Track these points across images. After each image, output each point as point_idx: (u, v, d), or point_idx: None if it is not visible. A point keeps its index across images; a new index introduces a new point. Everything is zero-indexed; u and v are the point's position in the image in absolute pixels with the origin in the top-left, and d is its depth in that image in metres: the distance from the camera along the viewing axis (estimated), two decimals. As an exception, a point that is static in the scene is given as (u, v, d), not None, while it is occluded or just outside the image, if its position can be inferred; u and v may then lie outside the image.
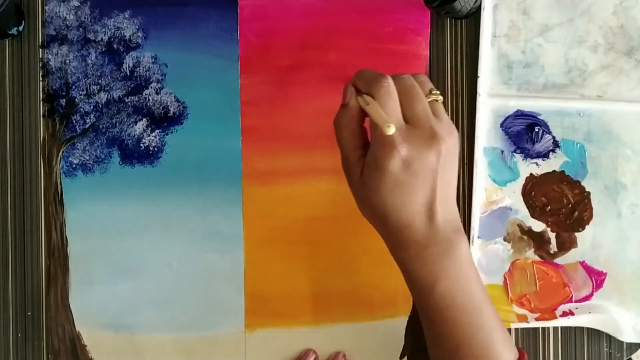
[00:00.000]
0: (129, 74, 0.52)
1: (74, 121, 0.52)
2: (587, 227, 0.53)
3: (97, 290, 0.52)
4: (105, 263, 0.52)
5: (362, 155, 0.39)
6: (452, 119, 0.52)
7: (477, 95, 0.51)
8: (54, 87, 0.52)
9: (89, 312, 0.52)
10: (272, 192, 0.52)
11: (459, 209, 0.51)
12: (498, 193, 0.52)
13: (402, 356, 0.52)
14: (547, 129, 0.52)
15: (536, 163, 0.52)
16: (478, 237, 0.52)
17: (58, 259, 0.52)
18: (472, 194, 0.51)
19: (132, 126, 0.52)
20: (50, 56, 0.52)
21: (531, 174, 0.52)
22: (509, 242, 0.53)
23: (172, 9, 0.52)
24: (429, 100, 0.38)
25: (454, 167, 0.39)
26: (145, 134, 0.52)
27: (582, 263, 0.53)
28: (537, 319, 0.52)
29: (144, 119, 0.52)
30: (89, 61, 0.52)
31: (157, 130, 0.52)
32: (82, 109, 0.52)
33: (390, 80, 0.37)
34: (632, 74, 0.52)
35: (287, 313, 0.52)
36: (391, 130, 0.35)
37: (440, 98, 0.39)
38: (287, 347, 0.52)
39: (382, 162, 0.36)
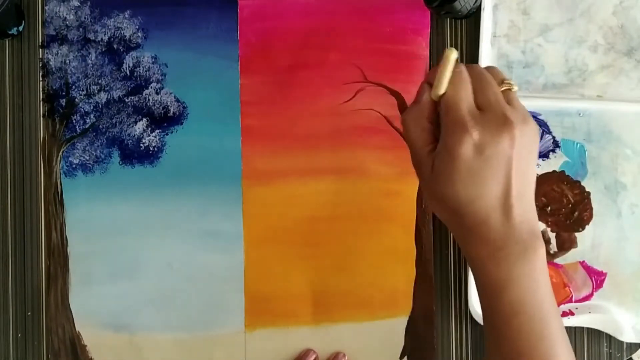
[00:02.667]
0: (129, 74, 0.52)
1: (74, 121, 0.52)
2: (587, 227, 0.53)
3: (97, 290, 0.52)
4: (105, 263, 0.52)
5: (433, 150, 0.37)
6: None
7: (477, 95, 0.51)
8: (54, 87, 0.52)
9: (88, 312, 0.52)
10: (272, 192, 0.52)
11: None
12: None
13: (402, 356, 0.52)
14: (547, 129, 0.52)
15: (536, 163, 0.52)
16: (478, 237, 0.52)
17: (58, 259, 0.52)
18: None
19: (132, 126, 0.52)
20: (50, 56, 0.52)
21: (531, 174, 0.52)
22: (509, 242, 0.53)
23: (172, 9, 0.52)
24: (502, 89, 0.37)
25: (531, 158, 0.37)
26: (145, 134, 0.52)
27: (582, 263, 0.53)
28: (537, 319, 0.52)
29: (144, 119, 0.52)
30: (89, 61, 0.52)
31: (157, 130, 0.52)
32: (82, 109, 0.52)
33: (463, 67, 0.37)
34: (632, 74, 0.52)
35: (287, 313, 0.52)
36: (453, 53, 0.35)
37: (515, 87, 0.38)
38: (287, 347, 0.52)
39: (453, 148, 0.35)
